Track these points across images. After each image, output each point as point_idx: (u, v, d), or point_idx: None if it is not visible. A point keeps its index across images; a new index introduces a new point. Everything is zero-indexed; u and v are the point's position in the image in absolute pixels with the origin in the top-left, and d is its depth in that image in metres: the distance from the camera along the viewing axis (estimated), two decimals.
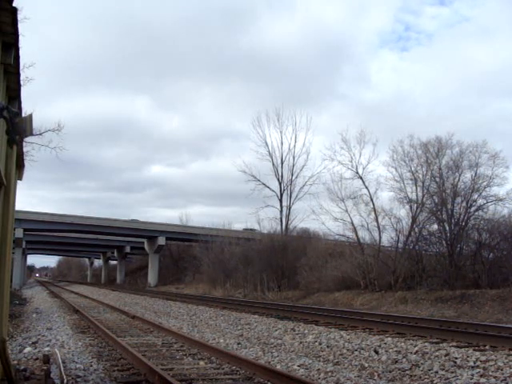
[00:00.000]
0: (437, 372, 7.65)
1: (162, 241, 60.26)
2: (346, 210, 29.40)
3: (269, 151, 44.90)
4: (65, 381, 6.93)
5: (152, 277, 61.50)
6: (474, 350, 9.22)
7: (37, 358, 9.09)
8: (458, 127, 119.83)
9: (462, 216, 25.08)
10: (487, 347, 9.50)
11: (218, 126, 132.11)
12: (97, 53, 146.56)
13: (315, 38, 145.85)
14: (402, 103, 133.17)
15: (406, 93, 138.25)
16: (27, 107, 19.72)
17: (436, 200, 26.33)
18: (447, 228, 25.12)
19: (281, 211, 43.61)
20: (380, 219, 28.25)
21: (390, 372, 7.88)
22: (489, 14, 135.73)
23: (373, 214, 28.41)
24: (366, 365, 8.45)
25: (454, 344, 9.95)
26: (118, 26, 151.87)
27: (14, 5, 4.60)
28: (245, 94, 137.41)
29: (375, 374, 7.82)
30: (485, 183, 25.45)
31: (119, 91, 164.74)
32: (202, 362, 8.88)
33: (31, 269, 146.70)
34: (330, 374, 7.82)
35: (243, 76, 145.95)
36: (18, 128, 5.40)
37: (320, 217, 34.21)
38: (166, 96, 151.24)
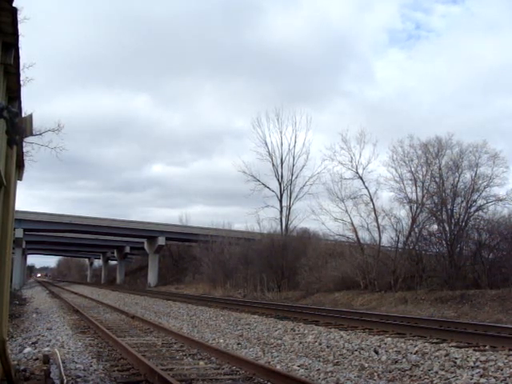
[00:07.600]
0: (437, 372, 7.65)
1: (161, 241, 60.26)
2: (346, 211, 29.47)
3: (268, 151, 44.86)
4: (64, 381, 6.92)
5: (152, 277, 61.50)
6: (474, 350, 9.22)
7: (37, 358, 9.08)
8: (461, 125, 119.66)
9: (461, 216, 25.09)
10: (487, 347, 9.49)
11: (220, 125, 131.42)
12: (97, 50, 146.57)
13: (320, 34, 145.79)
14: (405, 101, 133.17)
15: (410, 91, 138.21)
16: (27, 107, 19.74)
17: (436, 200, 26.34)
18: (447, 228, 25.12)
19: (281, 211, 43.58)
20: (380, 219, 28.30)
21: (390, 372, 7.88)
22: (494, 10, 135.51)
23: (373, 214, 28.44)
24: (366, 365, 8.45)
25: (454, 344, 9.94)
26: (118, 23, 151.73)
27: (13, 5, 4.59)
28: (247, 91, 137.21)
29: (375, 374, 7.81)
30: (485, 183, 25.50)
31: (119, 89, 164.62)
32: (201, 362, 8.88)
33: (31, 269, 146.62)
34: (329, 374, 7.82)
35: (245, 73, 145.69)
36: (18, 128, 5.39)
37: (320, 217, 34.09)
38: (167, 94, 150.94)
